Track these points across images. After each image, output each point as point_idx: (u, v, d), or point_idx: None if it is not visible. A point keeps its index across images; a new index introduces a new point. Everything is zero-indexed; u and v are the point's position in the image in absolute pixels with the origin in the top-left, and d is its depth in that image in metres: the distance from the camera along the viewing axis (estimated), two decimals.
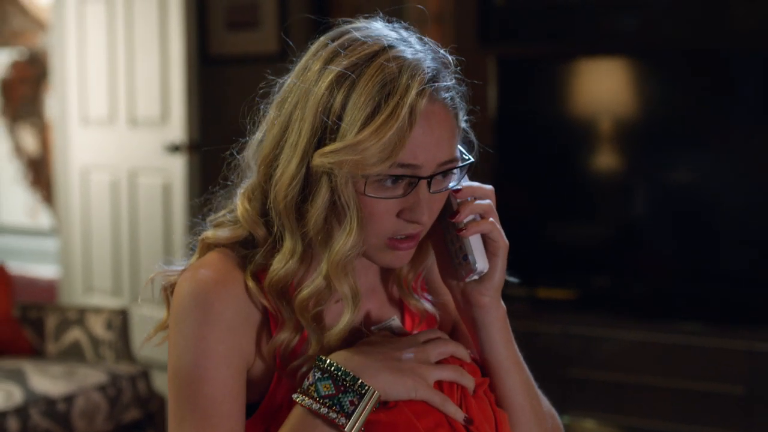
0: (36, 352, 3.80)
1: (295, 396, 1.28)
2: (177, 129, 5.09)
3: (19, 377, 3.40)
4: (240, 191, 1.39)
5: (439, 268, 1.44)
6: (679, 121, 3.99)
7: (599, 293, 4.11)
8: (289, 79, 1.34)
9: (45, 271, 6.48)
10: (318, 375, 1.27)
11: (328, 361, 1.28)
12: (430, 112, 1.27)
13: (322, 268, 1.31)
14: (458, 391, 1.34)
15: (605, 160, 4.15)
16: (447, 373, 1.33)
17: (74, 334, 3.75)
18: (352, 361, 1.28)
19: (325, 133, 1.26)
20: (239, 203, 1.38)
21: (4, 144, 7.32)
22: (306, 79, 1.30)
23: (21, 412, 3.25)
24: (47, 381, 3.41)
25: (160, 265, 1.41)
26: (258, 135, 1.38)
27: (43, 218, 7.08)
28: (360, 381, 1.26)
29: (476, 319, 1.40)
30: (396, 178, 1.27)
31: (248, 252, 1.36)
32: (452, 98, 1.31)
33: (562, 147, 4.20)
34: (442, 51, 1.34)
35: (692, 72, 3.99)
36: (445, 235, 1.41)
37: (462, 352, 1.38)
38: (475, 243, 1.36)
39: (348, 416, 1.25)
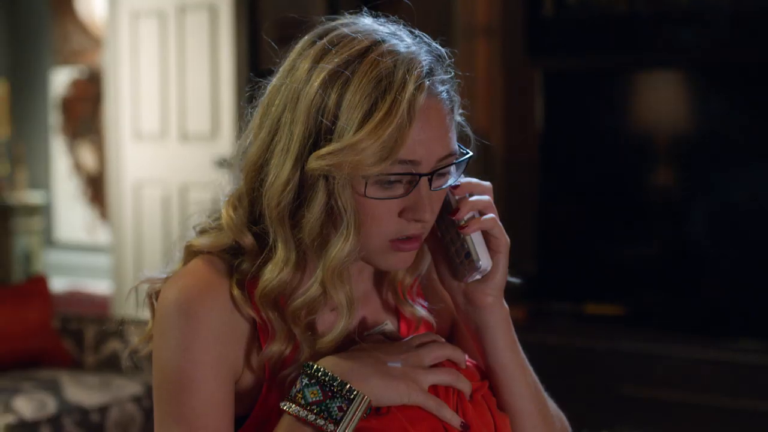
0: (75, 364, 3.81)
1: (282, 404, 1.23)
2: (227, 143, 5.11)
3: (54, 387, 3.41)
4: (224, 198, 1.34)
5: (438, 271, 1.39)
6: (737, 137, 3.90)
7: (652, 309, 4.03)
8: (274, 81, 1.29)
9: (102, 287, 6.54)
10: (305, 381, 1.23)
11: (315, 367, 1.23)
12: (427, 107, 1.22)
13: (317, 276, 1.26)
14: (454, 395, 1.29)
15: (658, 175, 4.07)
16: (442, 377, 1.28)
17: (113, 345, 3.75)
18: (341, 366, 1.24)
19: (319, 134, 1.21)
20: (224, 210, 1.32)
21: (64, 161, 7.41)
22: (294, 80, 1.25)
23: (54, 422, 3.26)
24: (82, 391, 3.41)
25: (144, 273, 1.37)
26: (243, 140, 1.32)
27: (101, 234, 7.14)
28: (348, 386, 1.22)
29: (479, 322, 1.35)
30: (396, 177, 1.22)
31: (233, 260, 1.30)
32: (448, 91, 1.27)
33: (612, 162, 4.12)
34: (434, 43, 1.30)
35: (747, 85, 3.90)
36: (443, 236, 1.36)
37: (458, 356, 1.32)
38: (476, 240, 1.31)
39: (337, 423, 1.20)
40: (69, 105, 7.33)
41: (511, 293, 4.04)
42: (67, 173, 7.42)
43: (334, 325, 1.29)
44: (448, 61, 1.29)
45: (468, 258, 1.31)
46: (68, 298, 5.97)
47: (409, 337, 1.34)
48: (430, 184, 1.25)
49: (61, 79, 7.34)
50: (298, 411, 1.21)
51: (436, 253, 1.38)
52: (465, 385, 1.29)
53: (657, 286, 4.07)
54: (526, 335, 3.98)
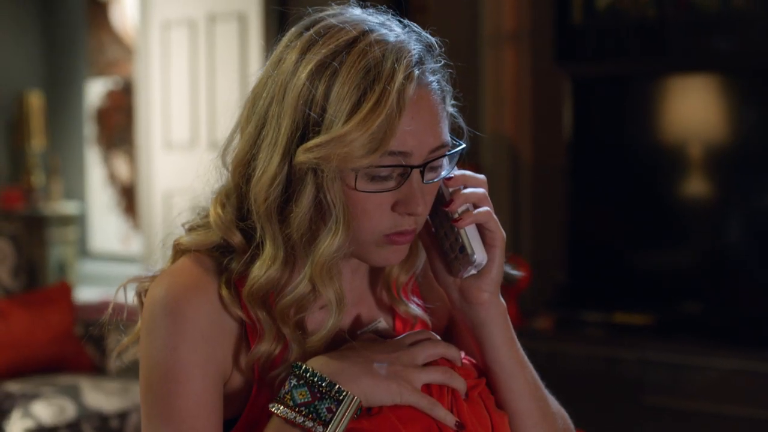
0: (97, 370, 3.81)
1: (271, 405, 1.20)
2: None
3: (73, 393, 3.41)
4: (212, 195, 1.31)
5: (432, 267, 1.35)
6: None
7: (683, 319, 3.97)
8: (261, 73, 1.27)
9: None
10: (294, 382, 1.20)
11: (303, 367, 1.20)
12: (418, 97, 1.20)
13: (306, 272, 1.23)
14: (449, 394, 1.26)
15: (689, 183, 4.02)
16: (435, 376, 1.25)
17: (135, 351, 3.74)
18: (330, 366, 1.21)
19: (307, 127, 1.18)
20: (211, 208, 1.29)
21: (98, 172, 7.45)
22: (281, 72, 1.22)
23: (73, 427, 3.26)
24: (102, 397, 3.41)
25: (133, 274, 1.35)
26: (230, 136, 1.30)
27: (135, 245, 7.17)
28: (337, 386, 1.19)
29: (475, 319, 1.31)
30: (386, 170, 1.19)
31: (223, 258, 1.28)
32: (438, 81, 1.24)
33: (642, 169, 4.08)
34: (425, 33, 1.27)
35: None
36: (437, 230, 1.33)
37: (453, 353, 1.29)
38: (471, 234, 1.28)
39: (326, 424, 1.18)
40: (104, 116, 7.38)
41: (539, 302, 4.00)
42: (101, 184, 7.47)
43: (323, 323, 1.26)
44: (438, 51, 1.26)
45: (462, 252, 1.28)
46: (101, 307, 5.99)
47: (403, 335, 1.31)
48: (423, 177, 1.22)
49: (96, 90, 7.39)
50: (287, 413, 1.19)
51: (430, 248, 1.34)
52: (460, 383, 1.26)
53: (688, 296, 4.01)
54: (554, 344, 3.98)
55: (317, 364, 1.21)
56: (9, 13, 7.10)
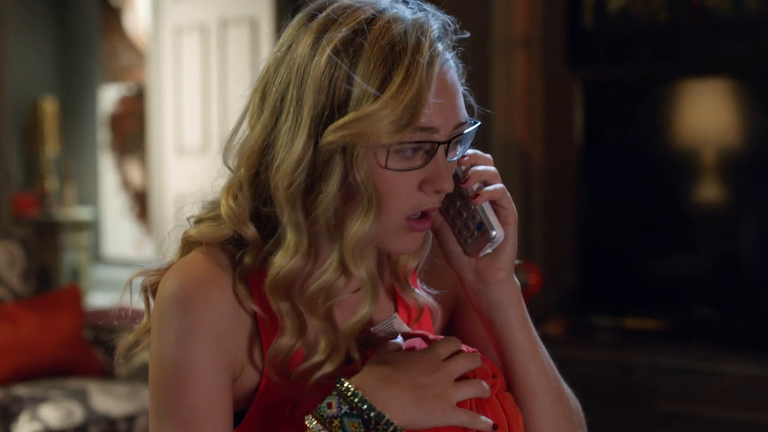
0: (106, 374, 3.81)
1: (307, 421, 1.17)
2: None
3: (81, 396, 3.41)
4: (222, 188, 1.28)
5: (445, 251, 1.33)
6: None
7: (694, 324, 3.94)
8: (269, 62, 1.25)
9: None
10: (345, 409, 1.17)
11: (352, 390, 1.17)
12: (442, 72, 1.20)
13: (333, 258, 1.21)
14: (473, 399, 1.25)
15: (704, 187, 4.00)
16: (470, 391, 1.23)
17: (144, 356, 3.74)
18: (379, 393, 1.18)
19: (333, 107, 1.16)
20: (223, 200, 1.26)
21: (112, 177, 7.47)
22: (297, 55, 1.20)
23: (81, 430, 3.26)
24: (110, 401, 3.40)
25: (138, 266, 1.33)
26: (236, 126, 1.27)
27: (148, 250, 7.18)
28: (386, 419, 1.16)
29: (491, 299, 1.29)
30: (415, 146, 1.18)
31: (236, 251, 1.25)
32: (454, 58, 1.24)
33: (654, 173, 4.06)
34: (438, 12, 1.26)
35: None
36: (447, 211, 1.30)
37: (477, 362, 1.27)
38: (488, 211, 1.27)
39: None
40: (117, 122, 7.40)
41: (550, 307, 3.97)
42: (115, 189, 7.48)
43: (356, 310, 1.24)
44: (452, 27, 1.26)
45: (480, 229, 1.26)
46: (111, 312, 5.99)
47: (433, 345, 1.27)
48: (447, 154, 1.21)
49: (109, 96, 7.41)
50: None
51: (440, 232, 1.32)
52: (487, 392, 1.25)
53: (701, 301, 3.99)
54: (565, 349, 3.95)
55: (366, 389, 1.18)
56: (23, 19, 7.13)
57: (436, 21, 1.22)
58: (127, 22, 7.23)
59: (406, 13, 1.21)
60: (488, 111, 1.35)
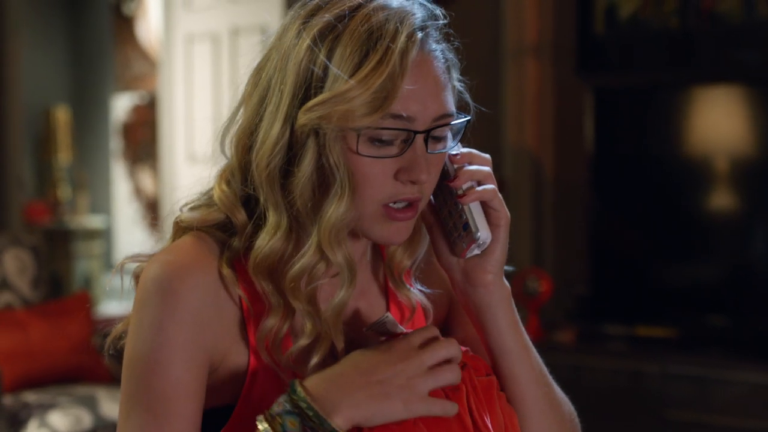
0: (115, 380, 3.80)
1: (258, 421, 1.16)
2: None
3: (90, 403, 3.41)
4: (215, 174, 1.29)
5: (435, 249, 1.32)
6: None
7: (706, 333, 3.92)
8: (266, 48, 1.26)
9: None
10: (288, 406, 1.15)
11: (299, 392, 1.16)
12: (421, 61, 1.19)
13: (312, 240, 1.21)
14: (466, 393, 1.23)
15: (716, 195, 3.98)
16: (444, 378, 1.20)
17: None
18: (330, 393, 1.16)
19: (309, 90, 1.18)
20: (216, 185, 1.27)
21: (124, 186, 7.48)
22: (284, 41, 1.22)
23: None
24: (118, 407, 3.40)
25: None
26: (233, 115, 1.29)
27: None
28: (331, 426, 1.14)
29: (479, 301, 1.29)
30: (388, 134, 1.18)
31: (226, 237, 1.25)
32: (443, 51, 1.23)
33: (665, 181, 4.04)
34: (430, 5, 1.26)
35: None
36: (440, 210, 1.30)
37: (457, 352, 1.23)
38: (476, 212, 1.26)
39: None
40: (129, 130, 7.41)
41: (561, 315, 3.95)
42: (127, 198, 7.49)
43: (334, 294, 1.24)
44: (443, 21, 1.25)
45: (466, 230, 1.25)
46: (120, 318, 5.99)
47: (410, 332, 1.25)
48: (426, 146, 1.20)
49: (122, 105, 7.42)
50: None
51: (433, 228, 1.32)
52: (458, 377, 1.22)
53: (713, 309, 3.97)
54: (576, 357, 3.93)
55: (316, 390, 1.16)
56: (37, 28, 7.15)
57: (421, 11, 1.22)
58: (139, 31, 7.25)
59: (393, 2, 1.21)
60: (484, 109, 1.33)
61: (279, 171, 1.20)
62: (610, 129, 4.14)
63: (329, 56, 1.17)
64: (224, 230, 1.26)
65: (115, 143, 7.51)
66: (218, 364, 1.23)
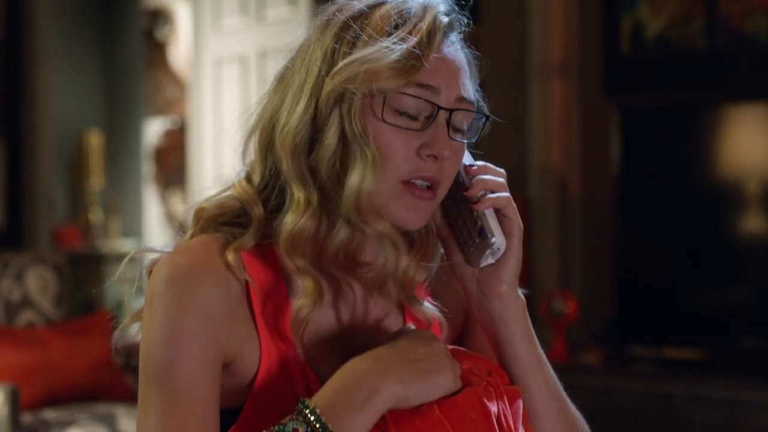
0: (136, 399, 3.80)
1: None
2: None
3: (109, 420, 3.41)
4: (237, 175, 1.32)
5: (451, 263, 1.32)
6: None
7: (738, 355, 3.87)
8: (291, 54, 1.30)
9: None
10: (300, 419, 1.14)
11: (310, 408, 1.15)
12: (446, 44, 1.24)
13: (343, 215, 1.22)
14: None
15: (741, 217, 3.93)
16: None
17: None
18: (369, 377, 1.16)
19: (335, 63, 1.21)
20: (237, 184, 1.29)
21: (156, 210, 7.52)
22: (309, 38, 1.26)
23: None
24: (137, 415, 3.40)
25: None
26: (256, 114, 1.31)
27: None
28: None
29: (493, 312, 1.28)
30: (414, 108, 1.21)
31: (238, 232, 1.26)
32: (464, 48, 1.28)
33: (692, 202, 4.00)
34: (456, 8, 1.30)
35: None
36: (455, 221, 1.30)
37: None
38: (490, 219, 1.26)
39: None
40: (161, 155, 7.45)
41: (587, 336, 3.91)
42: (159, 222, 7.52)
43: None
44: (466, 18, 1.29)
45: (481, 236, 1.26)
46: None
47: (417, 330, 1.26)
48: (448, 127, 1.22)
49: (154, 130, 7.47)
50: None
51: (448, 242, 1.32)
52: None
53: (744, 331, 3.92)
54: (602, 379, 3.88)
55: (321, 404, 1.15)
56: (70, 54, 7.22)
57: (445, 5, 1.26)
58: (171, 56, 7.30)
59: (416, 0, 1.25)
60: (500, 120, 1.35)
61: (304, 147, 1.22)
62: (636, 149, 4.11)
63: (358, 35, 1.21)
64: (238, 223, 1.27)
65: (147, 168, 7.55)
66: (230, 361, 1.23)
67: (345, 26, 1.22)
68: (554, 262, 4.32)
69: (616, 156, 4.08)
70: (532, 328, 1.30)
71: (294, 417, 1.14)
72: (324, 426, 1.13)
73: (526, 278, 4.25)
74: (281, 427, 1.14)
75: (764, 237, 3.89)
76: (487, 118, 1.29)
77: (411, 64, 1.18)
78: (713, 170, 4.00)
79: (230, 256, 1.22)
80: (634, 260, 4.12)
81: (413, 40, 1.19)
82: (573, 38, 4.37)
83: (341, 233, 1.23)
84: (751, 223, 3.93)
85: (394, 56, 1.18)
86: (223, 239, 1.25)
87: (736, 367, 3.82)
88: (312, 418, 1.14)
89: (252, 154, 1.30)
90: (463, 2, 1.30)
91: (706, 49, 4.11)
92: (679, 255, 4.09)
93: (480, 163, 1.30)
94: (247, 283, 1.24)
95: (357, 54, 1.19)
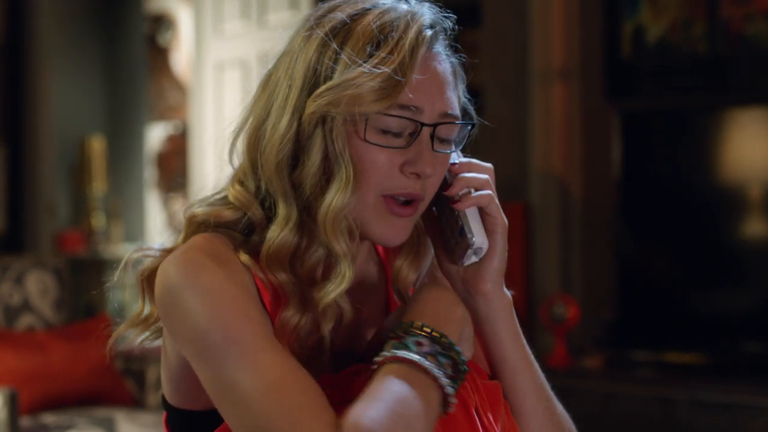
0: (136, 403, 3.80)
1: (393, 351, 1.14)
2: None
3: (108, 425, 3.41)
4: (228, 177, 1.30)
5: (438, 260, 1.32)
6: None
7: (739, 359, 3.86)
8: (276, 58, 1.28)
9: None
10: (438, 348, 1.15)
11: (419, 325, 1.17)
12: (430, 57, 1.23)
13: (321, 232, 1.20)
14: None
15: (743, 221, 3.93)
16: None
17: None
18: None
19: (318, 81, 1.19)
20: (230, 187, 1.27)
21: (158, 215, 7.52)
22: (294, 44, 1.24)
23: None
24: (136, 429, 3.40)
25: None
26: (242, 122, 1.29)
27: None
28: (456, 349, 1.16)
29: (479, 311, 1.28)
30: (397, 127, 1.19)
31: (240, 236, 1.23)
32: (449, 57, 1.26)
33: (693, 206, 4.00)
34: (441, 12, 1.28)
35: None
36: (440, 218, 1.30)
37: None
38: (472, 218, 1.26)
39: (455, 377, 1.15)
40: (164, 160, 7.44)
41: (589, 341, 3.90)
42: (161, 227, 7.52)
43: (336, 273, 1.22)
44: (451, 25, 1.28)
45: (462, 235, 1.25)
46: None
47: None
48: (432, 142, 1.21)
49: (156, 135, 7.47)
50: (421, 360, 1.12)
51: (436, 239, 1.32)
52: None
53: (746, 335, 3.91)
54: (603, 383, 3.87)
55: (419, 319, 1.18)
56: (73, 59, 7.22)
57: (430, 14, 1.24)
58: (174, 61, 7.30)
59: (403, 6, 1.24)
60: (486, 123, 1.35)
61: (287, 163, 1.21)
62: (638, 154, 4.11)
63: (341, 48, 1.19)
64: (237, 230, 1.24)
65: (150, 173, 7.55)
66: None
67: (326, 42, 1.20)
68: (555, 266, 4.31)
69: (617, 160, 4.08)
70: (518, 327, 1.29)
71: (401, 336, 1.15)
72: (441, 334, 1.15)
73: (526, 282, 4.24)
74: (398, 344, 1.14)
75: (766, 241, 3.88)
76: (473, 125, 1.28)
77: (393, 87, 1.17)
78: (714, 174, 4.00)
79: (243, 258, 1.20)
80: (635, 264, 4.12)
81: (395, 61, 1.17)
82: (574, 42, 4.36)
83: (320, 251, 1.22)
84: (753, 227, 3.93)
85: (375, 82, 1.16)
86: (224, 237, 1.23)
87: (738, 372, 3.81)
88: (428, 330, 1.15)
89: (240, 158, 1.28)
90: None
91: (707, 54, 4.11)
92: (680, 259, 4.08)
93: (464, 160, 1.30)
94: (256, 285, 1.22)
95: (338, 79, 1.18)
